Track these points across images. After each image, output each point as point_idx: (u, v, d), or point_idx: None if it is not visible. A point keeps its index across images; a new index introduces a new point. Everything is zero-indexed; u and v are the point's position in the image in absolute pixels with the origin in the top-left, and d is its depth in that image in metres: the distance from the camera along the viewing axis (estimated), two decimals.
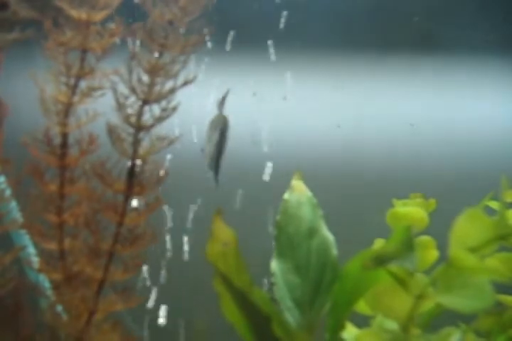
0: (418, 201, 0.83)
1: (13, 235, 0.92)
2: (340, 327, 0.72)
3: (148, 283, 1.23)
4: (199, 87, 0.87)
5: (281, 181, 0.85)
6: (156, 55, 0.82)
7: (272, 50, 1.28)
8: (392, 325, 0.72)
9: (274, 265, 0.78)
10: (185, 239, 1.27)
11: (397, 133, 1.35)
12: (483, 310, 0.64)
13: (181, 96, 0.83)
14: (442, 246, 0.71)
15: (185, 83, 0.82)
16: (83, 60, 0.83)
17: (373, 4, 1.34)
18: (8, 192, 0.85)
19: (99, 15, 0.82)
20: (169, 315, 1.24)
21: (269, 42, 1.27)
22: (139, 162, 0.82)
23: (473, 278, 0.64)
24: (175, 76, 0.81)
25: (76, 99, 0.83)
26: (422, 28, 1.36)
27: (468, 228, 0.65)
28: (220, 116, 1.11)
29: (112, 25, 0.82)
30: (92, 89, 0.83)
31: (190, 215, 1.28)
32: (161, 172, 0.83)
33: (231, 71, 1.30)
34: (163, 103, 0.82)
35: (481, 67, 1.37)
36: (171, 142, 0.82)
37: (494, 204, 0.79)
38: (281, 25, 1.27)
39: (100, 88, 0.83)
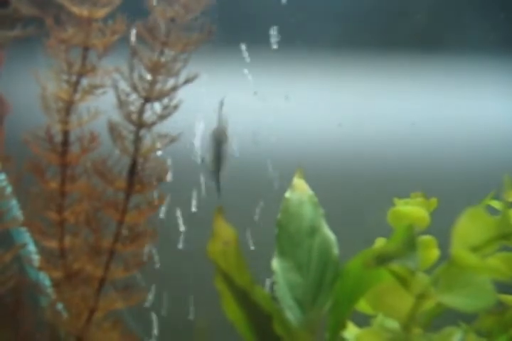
0: (419, 200, 0.83)
1: (13, 233, 0.92)
2: (341, 326, 0.72)
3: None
4: (199, 86, 0.87)
5: (283, 180, 0.85)
6: (158, 52, 0.82)
7: (272, 49, 1.27)
8: (393, 324, 0.72)
9: (275, 263, 0.78)
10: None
11: (398, 132, 1.35)
12: (485, 309, 0.64)
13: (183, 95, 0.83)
14: (443, 245, 0.71)
15: (187, 81, 0.81)
16: (85, 57, 0.83)
17: (373, 4, 1.34)
18: (8, 190, 0.85)
19: (100, 13, 0.82)
20: (171, 313, 1.24)
21: (270, 41, 1.27)
22: (140, 160, 0.82)
23: (475, 277, 0.64)
24: (176, 74, 0.81)
25: (77, 96, 0.83)
26: (422, 28, 1.36)
27: (470, 227, 0.65)
28: (219, 128, 1.08)
29: (113, 23, 0.82)
30: (93, 87, 0.82)
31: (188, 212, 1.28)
32: (162, 171, 0.83)
33: (231, 70, 1.30)
34: (165, 101, 0.81)
35: (481, 67, 1.37)
36: (172, 140, 0.82)
37: (496, 204, 0.79)
38: (282, 25, 1.27)
39: (102, 86, 0.82)
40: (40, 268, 0.86)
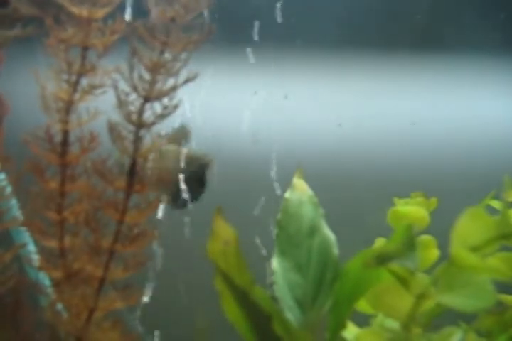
0: (419, 200, 0.83)
1: (13, 233, 0.92)
2: (341, 326, 0.72)
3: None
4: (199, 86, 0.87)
5: (283, 180, 0.85)
6: (158, 52, 0.82)
7: (272, 49, 1.27)
8: (393, 324, 0.72)
9: (275, 263, 0.78)
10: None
11: (398, 132, 1.35)
12: (484, 309, 0.64)
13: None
14: (443, 245, 0.71)
15: (187, 81, 0.81)
16: (84, 57, 0.82)
17: (374, 3, 1.34)
18: (8, 190, 0.85)
19: (100, 13, 0.82)
20: (168, 313, 1.23)
21: (270, 40, 1.27)
22: (140, 160, 0.82)
23: (475, 277, 0.64)
24: (176, 74, 0.81)
25: (77, 96, 0.82)
26: (423, 28, 1.36)
27: (469, 227, 0.65)
28: (199, 155, 0.96)
29: (113, 23, 0.82)
30: (93, 87, 0.82)
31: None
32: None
33: (231, 70, 1.30)
34: (165, 100, 0.81)
35: (482, 67, 1.37)
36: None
37: (496, 204, 0.79)
38: (283, 24, 1.27)
39: (101, 85, 0.82)
40: (39, 268, 0.85)
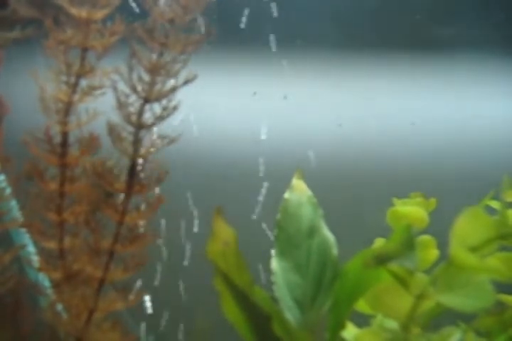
0: (418, 200, 0.83)
1: (12, 234, 0.92)
2: (341, 326, 0.72)
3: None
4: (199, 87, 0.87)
5: (282, 180, 0.85)
6: (157, 53, 0.82)
7: (272, 49, 1.27)
8: (393, 325, 0.72)
9: (275, 264, 0.78)
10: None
11: (398, 132, 1.35)
12: (484, 309, 0.64)
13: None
14: (443, 245, 0.71)
15: (186, 82, 0.81)
16: (84, 58, 0.82)
17: (374, 3, 1.34)
18: (8, 191, 0.85)
19: (99, 14, 0.82)
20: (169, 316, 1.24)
21: (270, 41, 1.27)
22: (139, 161, 0.82)
23: (474, 277, 0.64)
24: (176, 75, 0.81)
25: (76, 97, 0.82)
26: (423, 27, 1.36)
27: (468, 227, 0.65)
28: None
29: (112, 24, 0.82)
30: (92, 88, 0.82)
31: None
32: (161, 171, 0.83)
33: (231, 70, 1.30)
34: (164, 102, 0.81)
35: (482, 67, 1.37)
36: (172, 141, 0.82)
37: (495, 204, 0.79)
38: (282, 24, 1.27)
39: (101, 87, 0.82)
40: (39, 269, 0.86)
